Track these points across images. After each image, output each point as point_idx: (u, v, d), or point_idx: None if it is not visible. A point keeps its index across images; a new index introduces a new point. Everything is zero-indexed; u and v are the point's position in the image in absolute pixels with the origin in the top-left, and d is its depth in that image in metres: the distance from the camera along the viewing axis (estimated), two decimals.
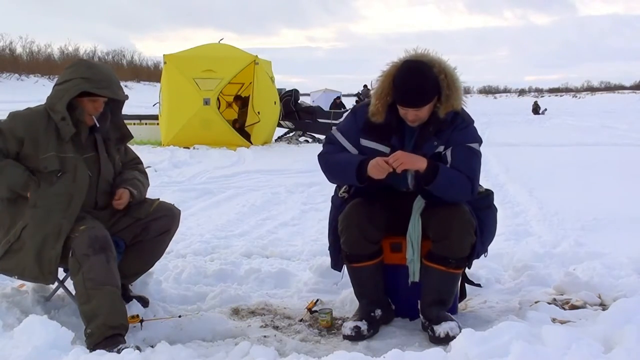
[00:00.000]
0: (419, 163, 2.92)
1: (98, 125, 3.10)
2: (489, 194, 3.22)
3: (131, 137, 3.32)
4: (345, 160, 3.07)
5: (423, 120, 3.01)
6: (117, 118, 3.23)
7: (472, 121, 3.12)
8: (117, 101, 3.18)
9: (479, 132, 3.18)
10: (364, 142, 3.11)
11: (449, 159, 3.00)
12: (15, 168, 2.93)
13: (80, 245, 2.81)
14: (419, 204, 3.06)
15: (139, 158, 3.44)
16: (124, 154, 3.33)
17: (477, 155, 3.04)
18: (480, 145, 3.08)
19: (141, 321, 3.02)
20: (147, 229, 3.16)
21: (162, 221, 3.19)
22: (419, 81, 2.92)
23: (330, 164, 3.13)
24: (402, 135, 3.07)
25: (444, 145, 3.02)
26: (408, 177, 3.09)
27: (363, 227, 3.04)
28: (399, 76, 2.95)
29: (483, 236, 3.09)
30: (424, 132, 3.04)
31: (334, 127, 3.34)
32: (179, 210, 3.30)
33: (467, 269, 3.24)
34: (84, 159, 3.06)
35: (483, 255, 3.22)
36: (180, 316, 3.17)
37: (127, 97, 3.17)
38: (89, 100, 3.01)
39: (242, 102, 14.18)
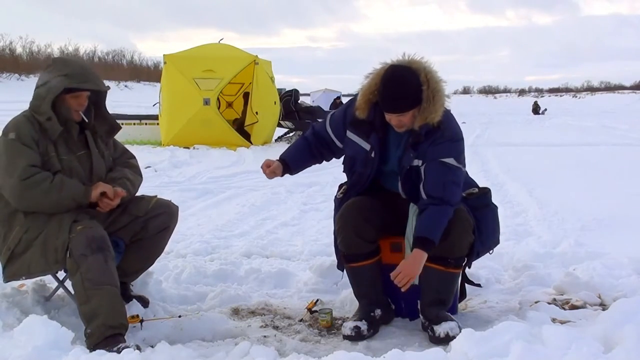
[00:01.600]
0: (421, 261, 2.88)
1: (86, 120, 3.10)
2: (485, 192, 3.22)
3: (119, 127, 3.29)
4: (290, 147, 3.35)
5: (408, 127, 2.99)
6: (103, 110, 3.21)
7: (455, 137, 3.02)
8: (99, 94, 3.17)
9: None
10: (350, 135, 3.15)
11: (422, 176, 2.99)
12: (72, 180, 2.96)
13: (77, 245, 2.80)
14: (415, 207, 3.07)
15: (129, 152, 3.40)
16: (112, 149, 3.31)
17: (451, 170, 2.97)
18: (458, 160, 2.99)
19: (141, 321, 3.02)
20: (146, 227, 3.16)
21: (161, 218, 3.19)
22: (400, 88, 2.92)
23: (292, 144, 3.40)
24: (385, 136, 3.08)
25: (421, 160, 2.99)
26: (399, 185, 3.09)
27: (359, 226, 3.05)
28: (383, 81, 2.96)
29: (482, 235, 3.08)
30: (407, 142, 3.03)
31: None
32: (177, 207, 3.30)
33: (467, 268, 3.25)
34: (77, 157, 3.06)
35: (488, 252, 3.22)
36: (180, 316, 3.17)
37: (108, 87, 3.17)
38: (72, 96, 3.01)
39: (247, 100, 14.11)
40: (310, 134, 3.31)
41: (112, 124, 3.24)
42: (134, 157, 3.39)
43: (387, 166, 3.11)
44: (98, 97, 3.18)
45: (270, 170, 3.20)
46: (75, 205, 2.95)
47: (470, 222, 3.00)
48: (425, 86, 2.92)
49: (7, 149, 2.92)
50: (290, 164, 3.25)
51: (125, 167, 3.27)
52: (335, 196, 3.31)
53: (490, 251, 3.24)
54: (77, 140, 3.09)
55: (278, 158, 3.26)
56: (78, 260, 2.78)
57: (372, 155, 3.07)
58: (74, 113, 3.04)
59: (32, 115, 3.01)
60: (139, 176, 3.31)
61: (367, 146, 3.08)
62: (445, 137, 2.99)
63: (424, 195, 2.98)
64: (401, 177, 3.05)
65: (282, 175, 3.26)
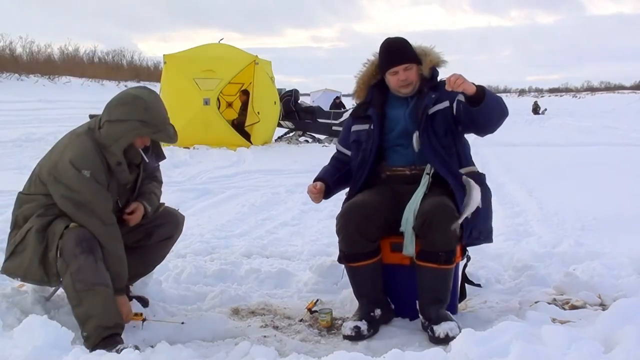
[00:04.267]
0: (472, 86, 2.98)
1: (147, 160, 3.08)
2: (480, 174, 3.24)
3: (164, 157, 3.26)
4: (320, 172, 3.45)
5: (414, 85, 3.22)
6: (155, 142, 3.18)
7: None
8: None
9: None
10: (353, 128, 3.37)
11: (454, 109, 3.14)
12: (126, 269, 2.93)
13: (67, 244, 2.77)
14: (425, 179, 3.11)
15: (158, 167, 3.37)
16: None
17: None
18: None
19: (143, 320, 3.01)
20: (149, 235, 3.15)
21: (166, 227, 3.19)
22: (400, 43, 3.27)
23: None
24: (382, 111, 3.26)
25: (448, 100, 3.16)
26: (413, 139, 3.16)
27: (360, 225, 3.05)
28: (382, 45, 3.28)
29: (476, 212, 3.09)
30: (420, 94, 3.22)
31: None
32: (183, 217, 3.29)
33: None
34: (123, 189, 3.04)
35: (481, 239, 3.21)
36: (183, 322, 3.11)
37: (176, 140, 3.04)
38: (140, 137, 2.96)
39: (246, 99, 14.06)
40: (330, 161, 3.51)
41: (159, 154, 3.22)
42: (160, 172, 3.36)
43: (392, 134, 3.24)
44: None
45: (317, 190, 3.28)
46: (113, 281, 2.86)
47: (454, 212, 2.98)
48: (420, 50, 3.27)
49: (85, 187, 2.83)
50: (328, 180, 3.36)
51: (152, 179, 3.25)
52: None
53: (484, 239, 3.22)
54: (129, 176, 3.06)
55: (314, 180, 3.36)
56: (68, 259, 2.75)
57: (371, 127, 3.25)
58: (139, 153, 3.03)
59: (99, 149, 2.91)
60: (160, 190, 3.30)
61: (365, 127, 3.29)
62: None
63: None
64: (419, 128, 3.14)
65: (325, 197, 3.34)
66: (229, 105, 15.49)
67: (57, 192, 2.88)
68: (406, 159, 3.21)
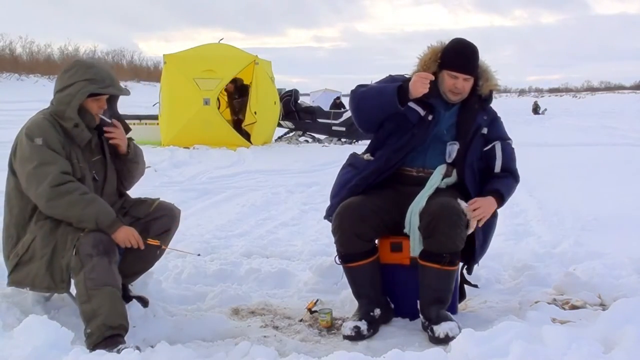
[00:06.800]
0: (493, 207, 3.09)
1: (109, 121, 3.07)
2: None
3: (129, 129, 3.26)
4: (382, 86, 3.17)
5: (464, 96, 3.16)
6: (115, 111, 3.20)
7: (500, 119, 3.37)
8: (113, 96, 3.16)
9: None
10: None
11: (498, 153, 3.18)
12: (103, 205, 2.89)
13: (84, 245, 2.80)
14: (435, 179, 3.10)
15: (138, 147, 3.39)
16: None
17: (514, 151, 3.29)
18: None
19: (160, 246, 3.06)
20: (147, 229, 3.14)
21: (162, 221, 3.18)
22: (475, 49, 3.17)
23: (364, 92, 3.19)
24: (431, 109, 3.15)
25: (487, 129, 3.19)
26: (453, 150, 3.16)
27: (355, 225, 3.06)
28: (454, 43, 3.17)
29: (486, 242, 3.17)
30: (467, 106, 3.19)
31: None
32: (179, 210, 3.29)
33: (467, 274, 3.27)
34: (93, 162, 3.04)
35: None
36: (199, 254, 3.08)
37: (129, 92, 3.16)
38: (93, 100, 2.99)
39: (240, 89, 13.90)
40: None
41: (123, 125, 3.22)
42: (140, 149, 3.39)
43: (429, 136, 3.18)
44: (111, 98, 3.16)
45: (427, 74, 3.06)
46: (94, 228, 2.85)
47: (462, 218, 2.98)
48: (482, 65, 3.20)
49: (35, 155, 2.87)
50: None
51: None
52: (359, 158, 3.30)
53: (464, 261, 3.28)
54: (94, 145, 3.07)
55: (402, 83, 3.08)
56: (83, 259, 2.78)
57: (429, 118, 3.15)
58: (95, 117, 3.02)
59: (54, 120, 2.97)
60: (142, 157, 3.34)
61: (421, 111, 3.15)
62: (499, 119, 3.32)
63: (498, 169, 3.21)
64: (465, 143, 3.14)
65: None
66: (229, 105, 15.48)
67: (20, 170, 2.91)
68: (417, 161, 3.19)
